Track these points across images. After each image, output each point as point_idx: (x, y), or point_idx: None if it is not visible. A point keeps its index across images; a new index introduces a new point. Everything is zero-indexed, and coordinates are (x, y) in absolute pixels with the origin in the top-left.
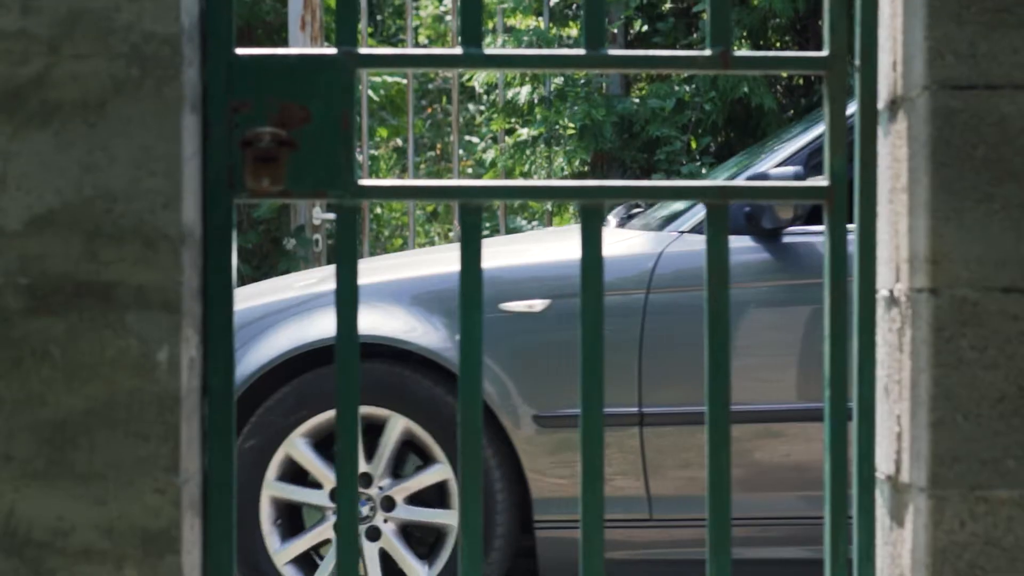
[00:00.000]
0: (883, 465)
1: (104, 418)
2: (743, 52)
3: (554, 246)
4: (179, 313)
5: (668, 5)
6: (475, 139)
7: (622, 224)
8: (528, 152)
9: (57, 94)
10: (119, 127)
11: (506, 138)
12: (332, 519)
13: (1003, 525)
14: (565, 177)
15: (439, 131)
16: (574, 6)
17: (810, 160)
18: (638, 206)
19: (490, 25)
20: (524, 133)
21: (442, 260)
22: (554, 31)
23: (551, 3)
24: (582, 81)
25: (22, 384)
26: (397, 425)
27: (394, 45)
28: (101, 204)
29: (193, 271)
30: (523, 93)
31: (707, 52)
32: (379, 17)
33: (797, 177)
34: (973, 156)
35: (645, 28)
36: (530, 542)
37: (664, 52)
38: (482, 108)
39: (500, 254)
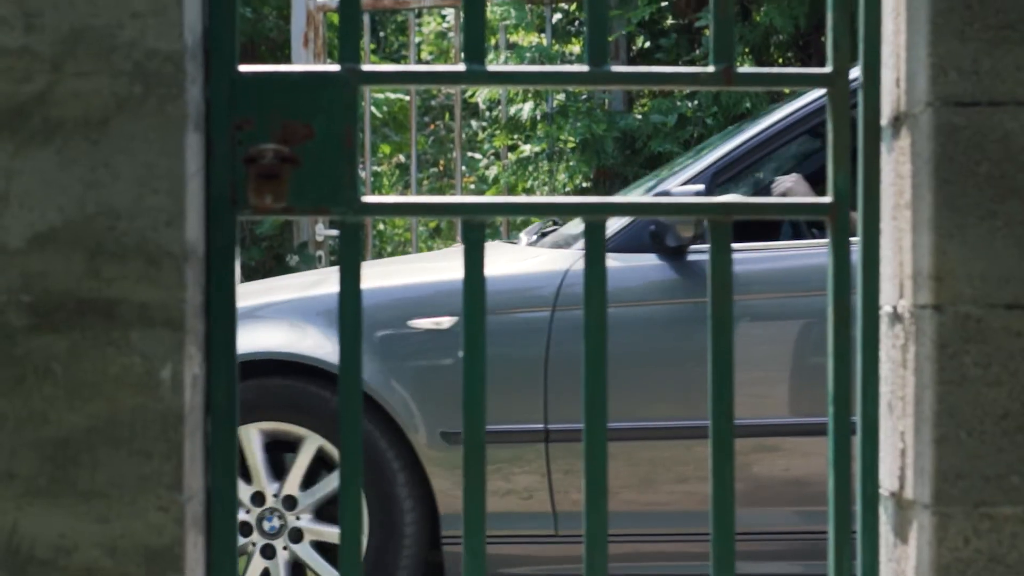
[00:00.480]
0: (887, 481)
1: (107, 436)
2: (746, 68)
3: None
4: (182, 331)
5: (670, 21)
6: (478, 155)
7: (534, 243)
8: (531, 168)
9: (60, 111)
10: (122, 144)
11: (509, 155)
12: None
13: (1007, 542)
14: (567, 193)
15: (442, 147)
16: (576, 23)
17: (715, 179)
18: (555, 224)
19: (492, 42)
20: (527, 150)
21: (371, 276)
22: (556, 48)
23: (553, 20)
24: (584, 97)
25: (24, 402)
26: (311, 442)
27: (397, 62)
28: (104, 221)
29: (196, 288)
30: (526, 109)
31: (710, 68)
32: (382, 34)
33: (699, 195)
34: (976, 173)
35: (647, 44)
36: (439, 558)
37: (667, 68)
38: (484, 124)
39: (410, 271)
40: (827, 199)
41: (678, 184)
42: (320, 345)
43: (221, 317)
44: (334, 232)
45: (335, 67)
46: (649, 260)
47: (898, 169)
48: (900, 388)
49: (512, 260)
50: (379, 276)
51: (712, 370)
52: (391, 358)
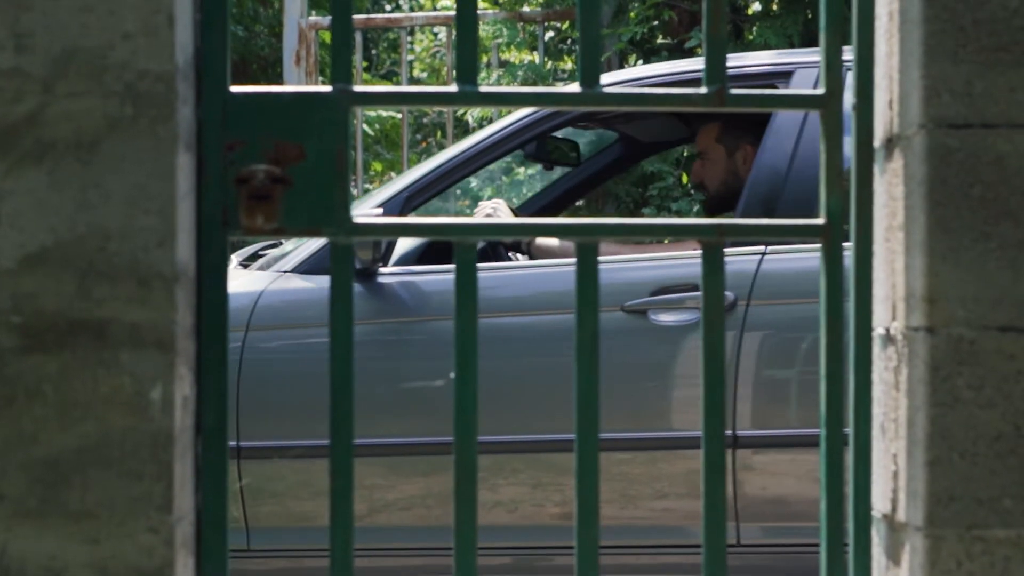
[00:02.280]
0: (879, 503)
1: (97, 457)
2: (739, 90)
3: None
4: (173, 352)
5: (660, 40)
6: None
7: (245, 265)
8: (525, 190)
9: (51, 132)
10: (113, 165)
11: (503, 177)
12: None
13: (1000, 565)
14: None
15: None
16: (568, 40)
17: (408, 203)
18: (275, 245)
19: (485, 59)
20: (521, 172)
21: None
22: (549, 65)
23: (546, 38)
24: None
25: (14, 422)
26: None
27: (389, 79)
28: (95, 242)
29: (187, 309)
30: None
31: (703, 90)
32: (374, 52)
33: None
34: (970, 195)
35: (640, 63)
36: None
37: (660, 90)
38: None
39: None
40: (820, 220)
41: (371, 207)
42: None
43: (212, 338)
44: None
45: (327, 88)
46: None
47: (891, 191)
48: (893, 410)
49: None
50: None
51: (704, 390)
52: None
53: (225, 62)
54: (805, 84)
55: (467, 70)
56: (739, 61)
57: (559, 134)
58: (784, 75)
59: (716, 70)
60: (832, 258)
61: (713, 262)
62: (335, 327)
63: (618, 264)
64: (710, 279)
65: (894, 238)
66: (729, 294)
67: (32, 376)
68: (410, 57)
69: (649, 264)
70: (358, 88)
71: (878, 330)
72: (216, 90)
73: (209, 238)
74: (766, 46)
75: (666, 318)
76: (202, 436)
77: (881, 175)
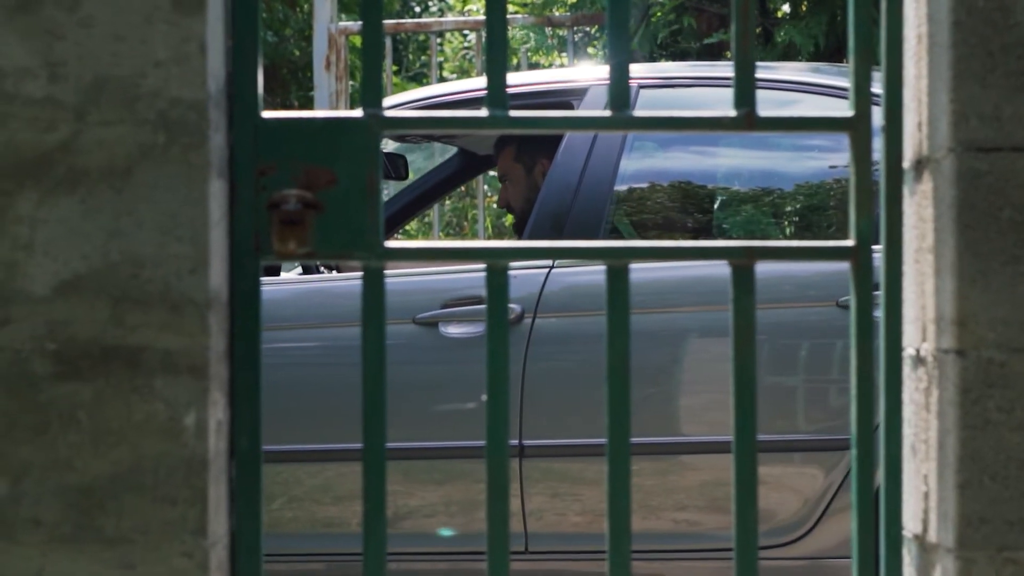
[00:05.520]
0: (911, 524)
1: (131, 482)
2: (768, 113)
3: None
4: (206, 378)
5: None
6: None
7: None
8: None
9: (84, 160)
10: (145, 193)
11: None
12: None
13: None
14: None
15: None
16: (595, 33)
17: None
18: None
19: (514, 61)
20: None
21: None
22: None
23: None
24: None
25: (49, 449)
26: None
27: (418, 81)
28: (128, 269)
29: (220, 335)
30: None
31: (732, 113)
32: (404, 52)
33: None
34: (999, 218)
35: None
36: None
37: (688, 113)
38: None
39: None
40: (850, 242)
41: None
42: None
43: (245, 362)
44: None
45: (357, 113)
46: None
47: (920, 213)
48: (923, 431)
49: None
50: None
51: (735, 415)
52: None
53: (256, 88)
54: (598, 102)
55: (497, 96)
56: (529, 79)
57: (390, 149)
58: (578, 92)
59: (745, 93)
60: (862, 279)
61: (743, 283)
62: (367, 352)
63: (409, 277)
64: (740, 299)
65: (924, 260)
66: (516, 307)
67: (66, 403)
68: (439, 59)
69: (440, 278)
70: (388, 113)
71: (908, 351)
72: (248, 115)
73: (241, 263)
74: (791, 47)
75: (455, 330)
76: (236, 460)
77: (911, 196)
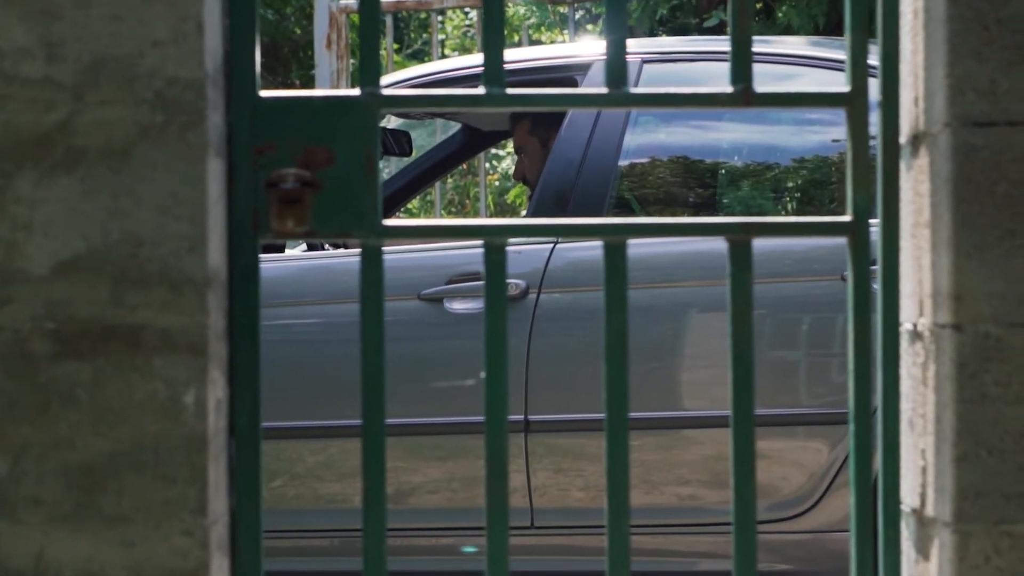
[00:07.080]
0: (908, 498)
1: (131, 461)
2: (765, 89)
3: None
4: (205, 356)
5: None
6: (502, 152)
7: None
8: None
9: (82, 141)
10: (144, 173)
11: None
12: None
13: None
14: None
15: None
16: (596, 12)
17: None
18: None
19: (516, 39)
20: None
21: None
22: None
23: (576, 17)
24: None
25: (49, 428)
26: None
27: (419, 59)
28: (126, 249)
29: (219, 313)
30: None
31: (729, 89)
32: (404, 30)
33: None
34: (995, 192)
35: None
36: None
37: (685, 89)
38: None
39: None
40: (847, 218)
41: None
42: None
43: (244, 341)
44: None
45: (355, 92)
46: None
47: (917, 188)
48: (921, 406)
49: None
50: None
51: (733, 401)
52: None
53: (254, 66)
54: (602, 78)
55: (495, 74)
56: (534, 54)
57: (393, 125)
58: (582, 68)
59: (742, 69)
60: (859, 255)
61: (741, 259)
62: (366, 329)
63: (414, 253)
64: (738, 275)
65: (920, 235)
66: (521, 282)
67: (66, 382)
68: (441, 36)
69: (444, 254)
70: (386, 91)
71: (905, 326)
72: (245, 95)
73: (240, 242)
74: (789, 27)
75: (459, 306)
76: (235, 438)
77: (907, 171)
